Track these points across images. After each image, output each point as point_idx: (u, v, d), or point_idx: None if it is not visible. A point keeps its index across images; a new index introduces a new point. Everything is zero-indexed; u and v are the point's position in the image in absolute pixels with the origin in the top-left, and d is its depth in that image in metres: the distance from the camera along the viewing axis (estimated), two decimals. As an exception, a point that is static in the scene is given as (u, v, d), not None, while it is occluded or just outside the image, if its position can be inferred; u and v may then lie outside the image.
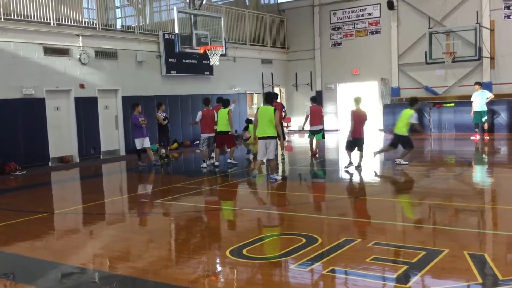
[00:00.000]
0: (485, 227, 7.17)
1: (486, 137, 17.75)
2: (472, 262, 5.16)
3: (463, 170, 12.24)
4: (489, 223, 7.42)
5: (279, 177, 11.17)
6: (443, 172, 12.28)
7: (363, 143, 12.26)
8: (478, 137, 17.61)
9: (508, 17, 20.02)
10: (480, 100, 17.60)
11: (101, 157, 16.85)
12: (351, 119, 12.25)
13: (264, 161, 11.14)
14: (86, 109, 16.42)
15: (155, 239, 6.99)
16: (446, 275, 4.97)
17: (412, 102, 12.56)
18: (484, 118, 17.57)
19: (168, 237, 7.35)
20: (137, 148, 14.42)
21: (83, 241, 7.20)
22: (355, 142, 12.17)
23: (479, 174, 12.00)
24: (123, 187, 12.70)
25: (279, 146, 11.63)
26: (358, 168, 12.05)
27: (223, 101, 13.98)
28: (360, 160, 12.23)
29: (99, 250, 6.60)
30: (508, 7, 19.98)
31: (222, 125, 13.45)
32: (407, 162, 12.31)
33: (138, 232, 7.45)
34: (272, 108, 10.59)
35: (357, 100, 12.30)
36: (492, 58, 20.27)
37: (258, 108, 11.00)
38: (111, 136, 17.44)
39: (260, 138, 10.65)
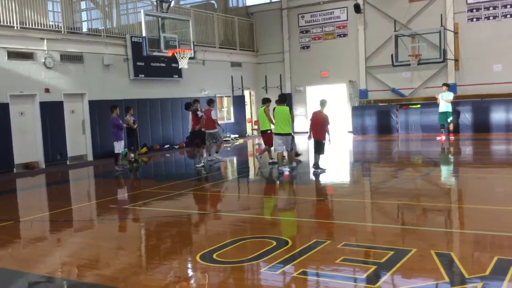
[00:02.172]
0: (452, 226, 7.32)
1: (452, 138, 18.15)
2: (439, 261, 5.25)
3: (430, 170, 12.48)
4: (456, 222, 7.58)
5: (286, 169, 12.02)
6: (410, 172, 12.50)
7: (322, 146, 12.07)
8: (443, 137, 17.98)
9: (472, 20, 20.54)
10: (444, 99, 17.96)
11: (67, 163, 16.53)
12: (310, 121, 12.32)
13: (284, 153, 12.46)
14: (52, 114, 16.09)
15: (124, 246, 6.89)
16: (414, 274, 5.05)
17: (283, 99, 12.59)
18: (449, 119, 17.95)
19: (137, 243, 7.26)
20: (117, 152, 14.23)
21: (50, 249, 7.04)
22: (315, 143, 12.11)
23: (445, 174, 12.25)
24: (91, 193, 12.48)
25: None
26: (316, 168, 11.92)
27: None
28: (317, 160, 12.08)
29: (67, 258, 6.47)
30: (471, 10, 20.51)
31: (263, 124, 13.53)
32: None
33: (106, 239, 7.32)
34: (288, 108, 12.08)
35: (322, 103, 12.23)
36: (456, 60, 20.76)
37: (274, 108, 12.22)
38: (78, 141, 17.13)
39: (277, 134, 12.02)
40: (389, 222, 7.61)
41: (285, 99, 12.57)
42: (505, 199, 8.58)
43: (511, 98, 19.23)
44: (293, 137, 12.58)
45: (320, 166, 11.96)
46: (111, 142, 14.59)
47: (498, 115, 19.55)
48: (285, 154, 12.73)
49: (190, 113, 14.57)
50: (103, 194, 11.77)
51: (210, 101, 15.15)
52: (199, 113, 14.20)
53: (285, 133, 11.91)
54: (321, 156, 12.10)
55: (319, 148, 12.10)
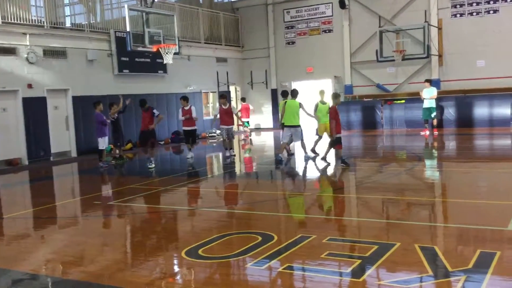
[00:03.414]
0: (436, 220, 7.39)
1: (435, 133, 18.32)
2: (423, 255, 5.30)
3: (414, 165, 12.59)
4: (440, 216, 7.66)
5: (284, 156, 13.39)
6: (395, 167, 12.59)
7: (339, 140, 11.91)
8: (427, 132, 18.14)
9: (455, 15, 20.72)
10: (429, 96, 18.13)
11: (51, 159, 16.36)
12: (331, 117, 11.85)
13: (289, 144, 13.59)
14: (35, 110, 15.90)
15: (109, 242, 6.85)
16: (398, 268, 5.09)
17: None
18: (433, 114, 18.10)
19: (122, 239, 7.22)
20: (101, 148, 14.12)
21: (34, 246, 6.97)
22: (337, 139, 11.75)
23: (429, 169, 12.36)
24: (75, 190, 12.38)
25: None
26: (342, 162, 11.77)
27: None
28: (340, 154, 11.96)
29: (51, 255, 6.41)
30: (455, 6, 20.69)
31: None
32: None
33: (91, 236, 7.27)
34: (298, 102, 13.04)
35: (337, 96, 12.11)
36: (440, 56, 20.94)
37: (285, 102, 13.13)
38: (61, 137, 16.95)
39: (287, 126, 13.03)
40: (373, 216, 7.66)
41: (296, 94, 13.39)
42: (488, 193, 8.70)
43: (494, 94, 19.46)
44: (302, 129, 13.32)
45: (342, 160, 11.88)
46: (95, 138, 14.46)
47: (481, 110, 19.77)
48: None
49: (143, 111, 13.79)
50: (87, 190, 11.67)
51: (222, 97, 15.33)
52: (156, 112, 13.67)
53: (295, 125, 13.02)
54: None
55: (339, 142, 11.81)
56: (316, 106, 13.68)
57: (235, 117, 16.32)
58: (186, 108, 14.80)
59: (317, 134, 14.00)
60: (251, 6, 25.33)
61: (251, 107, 22.58)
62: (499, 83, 19.45)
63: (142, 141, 14.15)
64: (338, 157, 11.96)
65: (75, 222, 8.40)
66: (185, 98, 15.12)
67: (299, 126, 13.12)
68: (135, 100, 15.83)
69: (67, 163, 16.16)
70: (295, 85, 24.46)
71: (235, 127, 24.49)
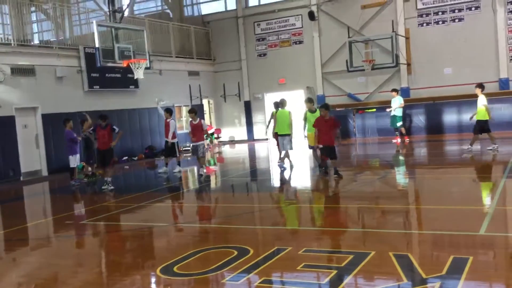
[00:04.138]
0: (410, 227, 7.47)
1: (407, 140, 18.61)
2: (397, 263, 5.35)
3: (387, 172, 12.74)
4: (413, 223, 7.75)
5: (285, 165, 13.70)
6: (368, 175, 12.72)
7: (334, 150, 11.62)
8: (399, 140, 18.42)
9: (422, 25, 21.17)
10: (398, 105, 18.48)
11: (21, 179, 16.00)
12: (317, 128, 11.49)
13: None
14: (3, 129, 15.55)
15: (83, 263, 6.72)
16: (374, 277, 5.12)
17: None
18: (399, 124, 18.46)
19: (96, 259, 7.08)
20: (72, 166, 13.87)
21: (5, 269, 6.77)
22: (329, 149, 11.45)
23: (402, 176, 12.52)
24: (47, 209, 12.13)
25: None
26: (335, 174, 11.44)
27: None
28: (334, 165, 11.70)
29: (22, 278, 6.23)
30: (421, 16, 21.14)
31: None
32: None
33: (64, 257, 7.11)
34: (288, 111, 13.58)
35: (327, 107, 11.65)
36: (409, 65, 21.34)
37: (276, 112, 13.78)
38: (31, 156, 16.60)
39: (281, 135, 13.52)
40: (348, 225, 7.70)
41: (285, 103, 13.86)
42: (460, 199, 8.84)
43: (461, 100, 19.88)
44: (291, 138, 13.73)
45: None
46: (67, 156, 14.22)
47: (450, 117, 20.22)
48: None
49: (96, 128, 13.05)
50: (59, 210, 11.40)
51: (191, 111, 13.95)
52: (116, 128, 12.93)
53: (286, 133, 13.46)
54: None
55: (332, 152, 11.43)
56: (305, 115, 13.00)
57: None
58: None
59: (309, 147, 13.21)
60: (222, 20, 25.42)
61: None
62: (466, 89, 19.86)
63: (101, 161, 13.15)
64: (320, 165, 11.94)
65: (47, 243, 8.20)
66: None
67: (289, 135, 13.51)
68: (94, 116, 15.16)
69: (38, 183, 15.82)
70: (268, 97, 24.67)
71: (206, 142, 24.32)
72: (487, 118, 13.99)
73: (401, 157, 15.79)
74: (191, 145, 14.37)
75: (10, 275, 6.46)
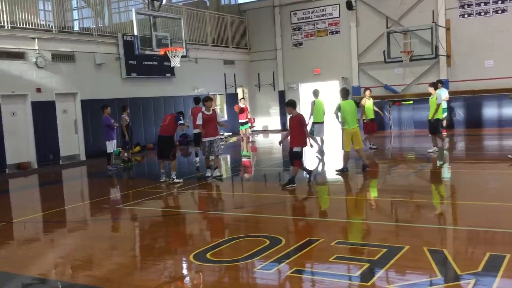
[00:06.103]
0: (445, 223, 7.33)
1: (445, 133, 18.18)
2: (431, 258, 5.27)
3: (423, 166, 12.52)
4: (449, 219, 7.60)
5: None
6: (404, 169, 12.52)
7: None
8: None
9: (463, 16, 20.60)
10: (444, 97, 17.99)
11: (60, 163, 16.45)
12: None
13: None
14: (44, 114, 16.00)
15: (118, 246, 6.87)
16: (407, 271, 5.06)
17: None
18: (444, 115, 17.99)
19: (131, 243, 7.23)
20: (109, 151, 14.17)
21: (43, 250, 7.00)
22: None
23: (438, 170, 12.27)
24: (84, 193, 12.43)
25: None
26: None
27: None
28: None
29: (60, 259, 6.43)
30: (462, 6, 20.56)
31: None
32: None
33: (99, 240, 7.29)
34: (322, 101, 14.62)
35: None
36: (448, 56, 20.82)
37: (314, 101, 14.45)
38: (70, 141, 17.05)
39: (316, 122, 14.43)
40: (382, 219, 7.62)
41: (318, 93, 14.70)
42: (498, 195, 8.62)
43: (503, 94, 19.30)
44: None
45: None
46: (104, 141, 14.52)
47: (490, 111, 19.69)
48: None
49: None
50: (96, 194, 11.71)
51: (206, 99, 11.84)
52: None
53: (321, 121, 14.54)
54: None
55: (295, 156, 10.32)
56: (339, 106, 11.50)
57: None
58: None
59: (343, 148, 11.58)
60: (258, 8, 25.35)
61: (241, 105, 20.16)
62: (508, 83, 19.29)
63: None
64: (293, 174, 10.08)
65: (84, 226, 8.42)
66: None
67: (323, 122, 14.59)
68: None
69: (76, 167, 16.23)
70: (303, 87, 24.54)
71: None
72: None
73: (438, 151, 15.44)
74: (209, 140, 11.50)
75: (48, 256, 6.68)
